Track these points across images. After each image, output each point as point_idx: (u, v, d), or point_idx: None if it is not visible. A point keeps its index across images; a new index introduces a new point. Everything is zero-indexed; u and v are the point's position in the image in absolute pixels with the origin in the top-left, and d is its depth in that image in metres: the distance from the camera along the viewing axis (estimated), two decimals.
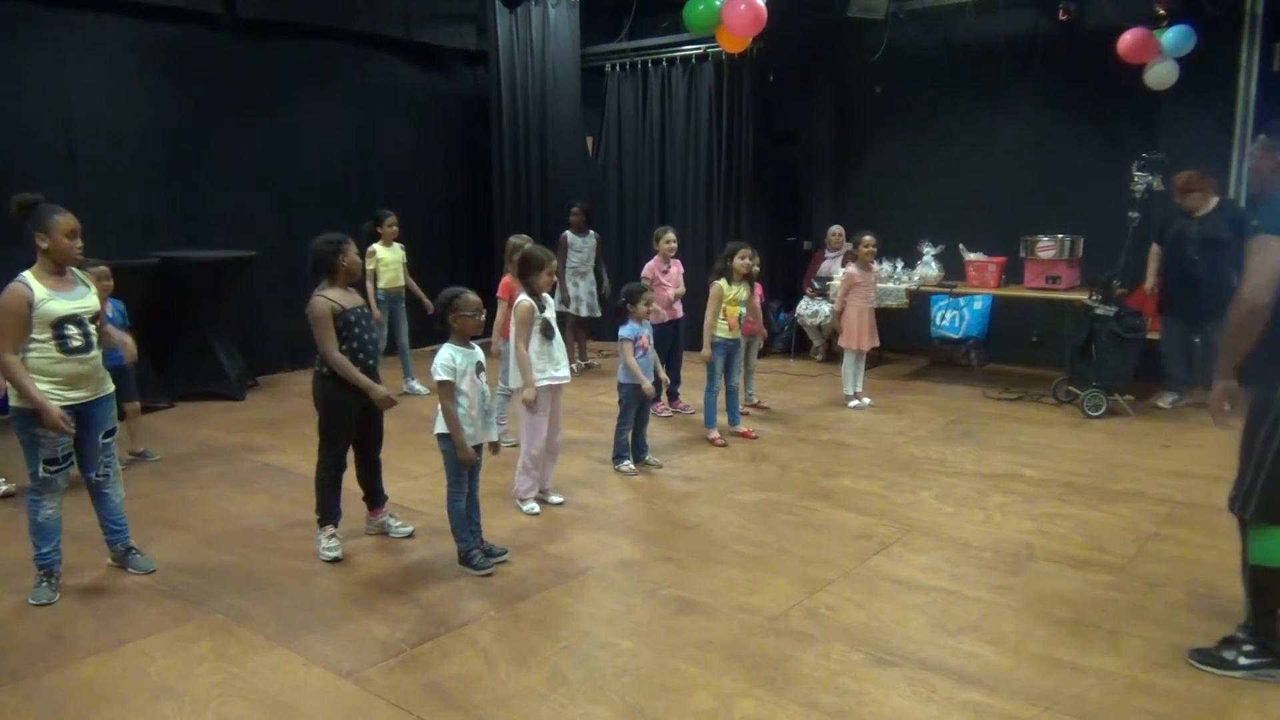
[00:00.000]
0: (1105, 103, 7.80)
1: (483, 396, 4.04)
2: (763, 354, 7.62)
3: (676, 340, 6.75)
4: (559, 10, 9.54)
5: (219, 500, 5.06)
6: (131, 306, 5.80)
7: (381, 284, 7.22)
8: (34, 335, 3.57)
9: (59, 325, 3.61)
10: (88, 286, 3.79)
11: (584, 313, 8.27)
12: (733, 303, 5.91)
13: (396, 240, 7.35)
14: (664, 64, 9.40)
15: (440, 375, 3.90)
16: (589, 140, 10.18)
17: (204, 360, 7.37)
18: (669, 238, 6.83)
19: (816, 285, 8.73)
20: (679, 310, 6.73)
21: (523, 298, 4.66)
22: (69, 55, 7.06)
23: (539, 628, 3.51)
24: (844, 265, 7.73)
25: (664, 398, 6.66)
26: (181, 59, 7.67)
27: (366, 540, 4.41)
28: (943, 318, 8.53)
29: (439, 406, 3.94)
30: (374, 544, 4.38)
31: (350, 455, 4.28)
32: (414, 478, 5.27)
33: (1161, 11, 7.06)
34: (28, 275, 3.59)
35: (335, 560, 4.13)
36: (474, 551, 4.04)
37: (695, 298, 7.04)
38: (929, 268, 7.90)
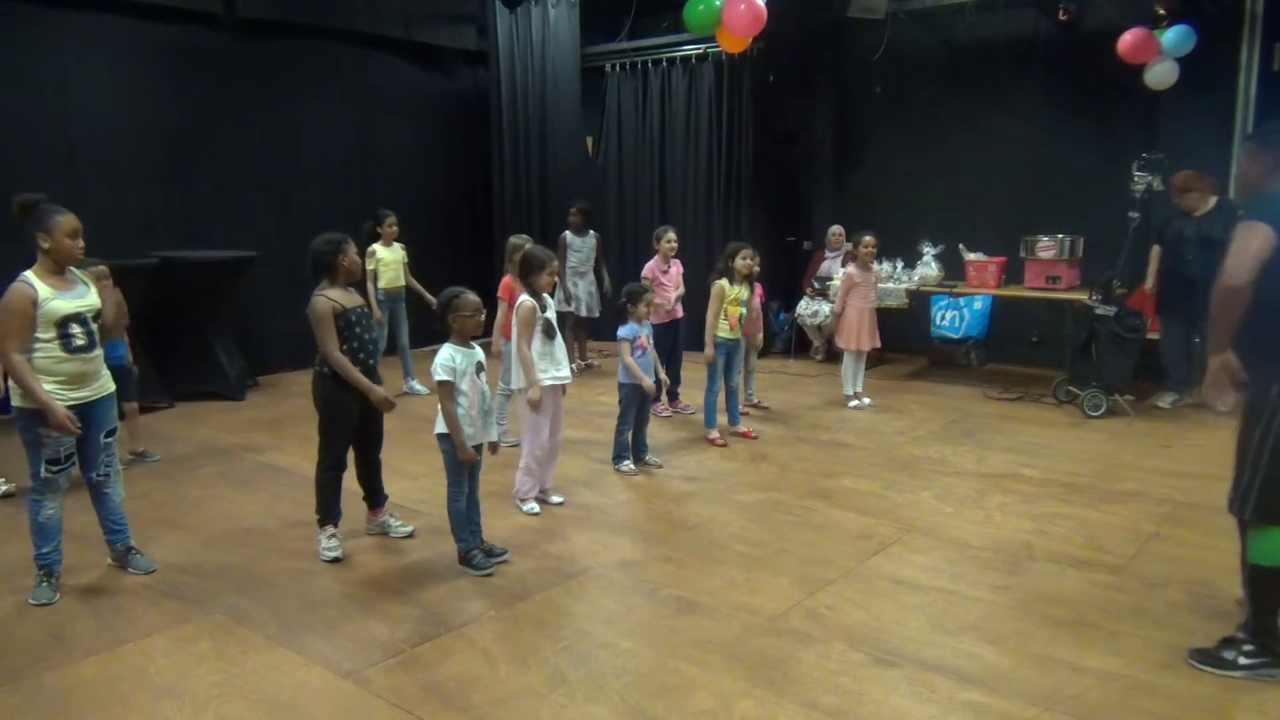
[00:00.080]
0: (1105, 103, 7.80)
1: (483, 396, 4.04)
2: (763, 354, 7.62)
3: (676, 340, 6.75)
4: (559, 10, 9.54)
5: (219, 500, 5.06)
6: (132, 306, 5.79)
7: (382, 284, 7.22)
8: (38, 335, 3.58)
9: (63, 324, 3.62)
10: (87, 285, 3.80)
11: (583, 312, 8.27)
12: (734, 303, 5.92)
13: (396, 240, 7.36)
14: (664, 64, 9.40)
15: (440, 375, 3.90)
16: (589, 140, 10.18)
17: (204, 360, 7.37)
18: (669, 238, 6.83)
19: (816, 285, 8.73)
20: (679, 310, 6.73)
21: (525, 298, 4.66)
22: (69, 55, 7.06)
23: (539, 628, 3.51)
24: (844, 265, 7.73)
25: (664, 398, 6.66)
26: (181, 59, 7.67)
27: (366, 540, 4.41)
28: (943, 318, 8.53)
29: (439, 406, 3.94)
30: (374, 544, 4.38)
31: (350, 455, 4.28)
32: (414, 478, 5.27)
33: (1161, 11, 7.06)
34: (30, 275, 3.60)
35: (335, 560, 4.14)
36: (474, 551, 4.04)
37: (695, 298, 7.04)
38: (929, 268, 7.90)
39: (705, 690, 3.05)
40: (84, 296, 3.73)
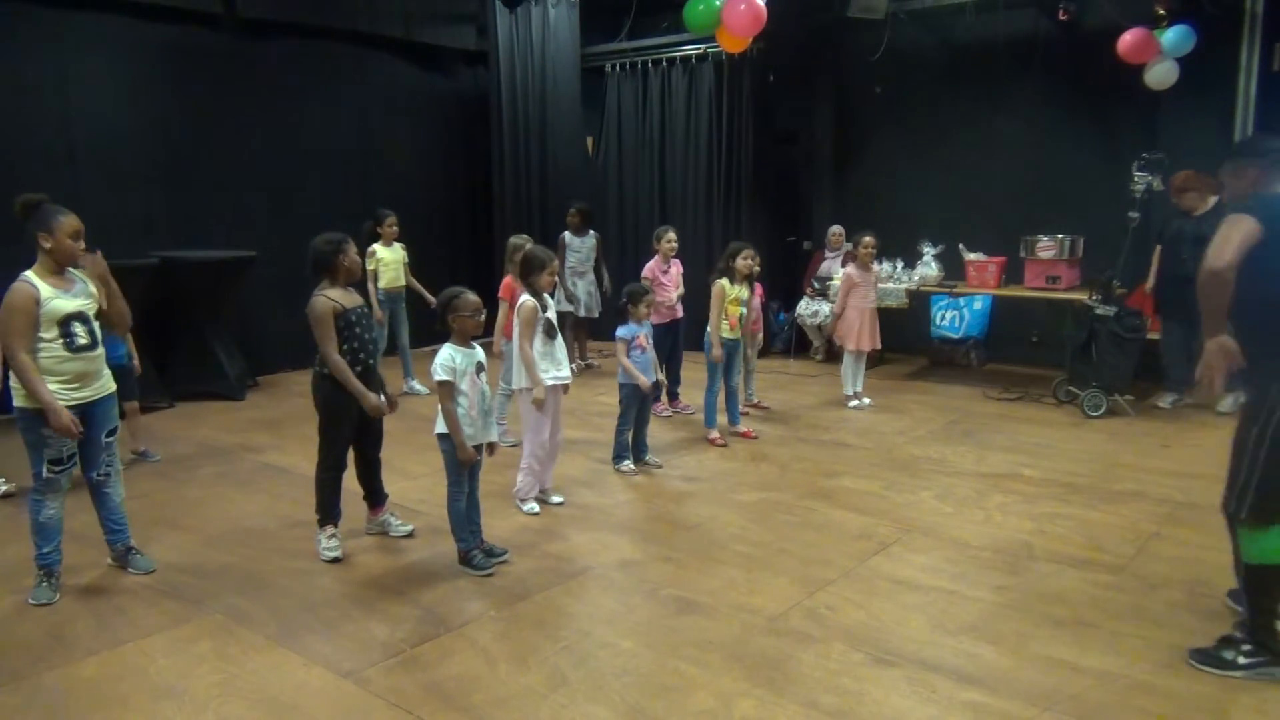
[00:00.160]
0: (1105, 103, 7.80)
1: (483, 396, 4.04)
2: (763, 354, 7.62)
3: (676, 340, 6.75)
4: (559, 10, 9.54)
5: (219, 500, 5.07)
6: (132, 307, 5.76)
7: (382, 284, 7.22)
8: (41, 335, 3.58)
9: (65, 323, 3.62)
10: (85, 284, 3.80)
11: (583, 312, 8.27)
12: (734, 303, 5.92)
13: (397, 240, 7.36)
14: (664, 64, 9.40)
15: (440, 375, 3.91)
16: (589, 140, 10.18)
17: (204, 360, 7.37)
18: (670, 237, 6.83)
19: (816, 285, 8.72)
20: (679, 310, 6.73)
21: (526, 298, 4.66)
22: (69, 55, 7.06)
23: (539, 628, 3.51)
24: (844, 265, 7.74)
25: (664, 398, 6.66)
26: (181, 59, 7.67)
27: (366, 540, 4.41)
28: (943, 318, 8.53)
29: (439, 406, 3.94)
30: (374, 544, 4.38)
31: (350, 455, 4.28)
32: (414, 478, 5.27)
33: (1161, 11, 7.06)
34: (30, 274, 3.60)
35: (335, 560, 4.14)
36: (474, 551, 4.04)
37: (695, 298, 7.04)
38: (929, 268, 7.90)
39: (705, 690, 3.05)
40: (84, 295, 3.73)
